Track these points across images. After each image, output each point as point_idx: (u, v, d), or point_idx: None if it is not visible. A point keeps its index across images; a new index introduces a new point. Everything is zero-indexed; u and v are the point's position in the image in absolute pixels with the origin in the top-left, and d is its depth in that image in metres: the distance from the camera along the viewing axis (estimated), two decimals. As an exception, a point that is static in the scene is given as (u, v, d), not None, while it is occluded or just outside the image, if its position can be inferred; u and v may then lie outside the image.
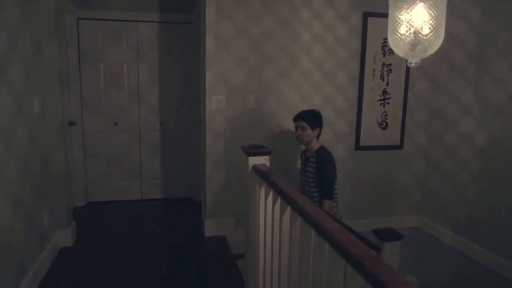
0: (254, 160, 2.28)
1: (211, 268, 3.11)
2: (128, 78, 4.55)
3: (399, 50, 1.78)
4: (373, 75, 3.98)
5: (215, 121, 3.55)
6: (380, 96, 4.03)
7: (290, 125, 3.77)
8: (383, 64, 3.98)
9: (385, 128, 4.10)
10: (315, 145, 3.07)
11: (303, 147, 3.23)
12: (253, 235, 2.39)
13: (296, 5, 3.65)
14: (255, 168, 2.22)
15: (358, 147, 4.07)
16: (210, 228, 3.67)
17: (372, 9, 3.82)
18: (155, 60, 4.59)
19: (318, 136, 3.12)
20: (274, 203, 2.03)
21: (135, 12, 4.41)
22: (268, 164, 2.29)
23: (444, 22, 1.70)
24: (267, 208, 2.15)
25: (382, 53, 3.95)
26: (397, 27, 1.72)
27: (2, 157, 2.24)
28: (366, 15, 3.83)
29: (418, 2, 1.66)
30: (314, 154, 3.04)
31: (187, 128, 4.71)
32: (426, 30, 1.68)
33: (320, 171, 2.97)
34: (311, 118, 3.06)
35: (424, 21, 1.68)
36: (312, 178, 3.03)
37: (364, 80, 3.95)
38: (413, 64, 1.80)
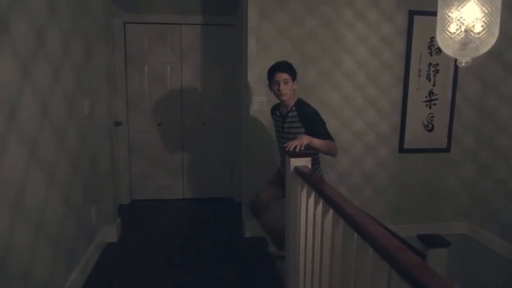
0: (296, 162, 2.27)
1: (250, 269, 3.12)
2: (171, 80, 4.65)
3: (449, 49, 1.71)
4: (419, 76, 3.86)
5: (257, 123, 3.56)
6: (426, 97, 3.90)
7: (332, 126, 3.72)
8: (430, 64, 3.85)
9: (431, 130, 3.96)
10: (293, 98, 2.78)
11: (272, 106, 3.05)
12: (293, 237, 2.37)
13: (339, 5, 3.60)
14: (297, 170, 2.21)
15: (402, 149, 3.95)
16: (250, 229, 3.68)
17: (418, 7, 3.71)
18: (198, 62, 4.66)
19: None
20: (315, 205, 2.00)
21: (179, 15, 4.50)
22: (309, 165, 2.26)
23: (498, 19, 1.61)
24: (309, 210, 2.13)
25: (429, 53, 3.83)
26: (446, 25, 1.66)
27: (56, 156, 2.36)
28: (412, 14, 3.72)
29: (469, -2, 1.59)
30: (293, 108, 2.74)
31: (228, 129, 4.76)
32: (478, 28, 1.61)
33: (308, 120, 2.69)
34: (292, 69, 2.77)
35: (476, 19, 1.60)
36: (299, 128, 2.73)
37: (409, 81, 3.84)
38: (463, 64, 1.72)
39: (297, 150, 2.35)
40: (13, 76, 1.83)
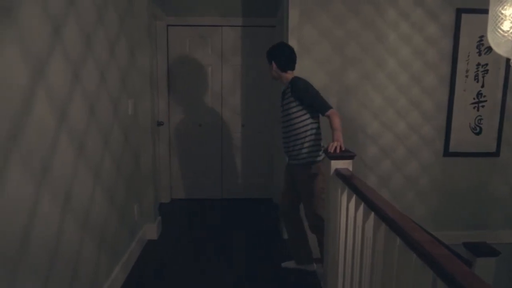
0: (337, 164, 2.24)
1: (288, 271, 3.10)
2: (212, 81, 4.72)
3: (501, 48, 1.63)
4: (466, 76, 3.71)
5: (296, 124, 3.54)
6: (473, 98, 3.74)
7: (373, 128, 3.65)
8: (478, 64, 3.69)
9: (479, 133, 3.80)
10: (288, 77, 2.81)
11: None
12: (332, 240, 2.34)
13: (382, 5, 3.52)
14: (337, 172, 2.18)
15: (447, 153, 3.81)
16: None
17: (466, 5, 3.56)
18: (238, 64, 4.70)
19: (284, 69, 2.80)
20: (356, 208, 1.97)
21: (220, 17, 4.56)
22: (350, 168, 2.23)
23: (556, 16, 1.52)
24: (349, 213, 2.10)
25: (477, 52, 3.67)
26: (499, 23, 1.58)
27: (101, 155, 2.45)
28: (459, 12, 3.58)
29: (525, -5, 1.51)
30: (289, 85, 2.77)
31: (268, 130, 4.77)
32: (533, 26, 1.52)
33: (302, 92, 2.67)
34: (266, 54, 2.87)
35: (531, 16, 1.52)
36: (295, 107, 2.70)
37: (456, 82, 3.69)
38: (516, 64, 1.64)
39: (338, 150, 2.32)
40: (64, 80, 1.91)
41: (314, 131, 2.73)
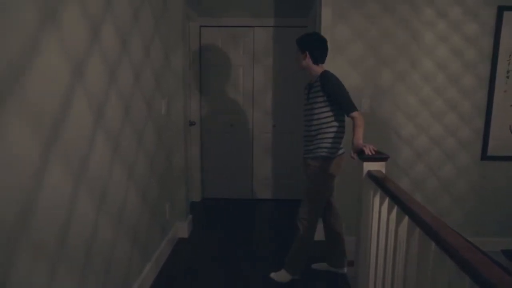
0: (369, 166, 2.20)
1: (319, 273, 3.07)
2: (243, 82, 4.74)
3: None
4: (507, 77, 3.56)
5: (327, 125, 3.51)
6: (514, 100, 3.59)
7: (407, 130, 3.57)
8: (520, 64, 3.53)
9: (519, 136, 3.64)
10: (318, 70, 2.72)
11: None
12: (364, 243, 2.31)
13: (418, 3, 3.44)
14: (370, 174, 2.14)
15: (485, 156, 3.67)
16: (319, 233, 3.62)
17: (509, 3, 3.42)
18: (270, 64, 4.71)
19: (316, 61, 2.73)
20: (389, 211, 1.93)
21: (252, 18, 4.58)
22: (383, 170, 2.19)
23: None
24: (382, 216, 2.05)
25: (519, 52, 3.51)
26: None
27: (135, 153, 2.50)
28: (501, 10, 3.44)
29: None
30: (318, 78, 2.67)
31: (299, 130, 4.73)
32: None
33: (329, 88, 2.60)
34: (298, 42, 2.75)
35: None
36: (322, 102, 2.64)
37: (496, 83, 3.55)
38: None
39: (371, 153, 2.28)
40: (101, 80, 1.97)
41: (336, 128, 2.67)
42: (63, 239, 1.61)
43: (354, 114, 2.56)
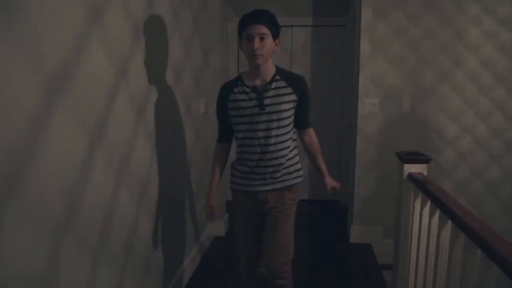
0: (410, 168, 2.14)
1: (355, 276, 3.02)
2: (281, 82, 4.73)
3: None
4: (560, 76, 3.36)
5: (367, 125, 3.45)
6: None
7: (450, 131, 3.44)
8: None
9: None
10: (272, 65, 1.92)
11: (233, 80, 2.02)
12: (403, 247, 2.25)
13: (463, 0, 3.31)
14: (411, 177, 2.08)
15: (535, 160, 3.48)
16: (355, 235, 3.58)
17: (563, -2, 3.24)
18: (308, 64, 4.67)
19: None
20: (431, 215, 1.87)
21: (290, 17, 4.56)
22: (425, 173, 2.12)
23: None
24: (423, 220, 2.00)
25: None
26: None
27: (175, 151, 2.56)
28: (554, 5, 3.26)
29: None
30: (276, 76, 1.90)
31: (337, 130, 4.68)
32: None
33: (307, 93, 1.95)
34: (273, 21, 1.89)
35: None
36: (291, 109, 1.91)
37: (548, 82, 3.37)
38: None
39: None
40: (142, 79, 2.02)
41: (295, 143, 2.05)
42: (104, 234, 1.66)
43: (311, 130, 2.11)
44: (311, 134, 2.12)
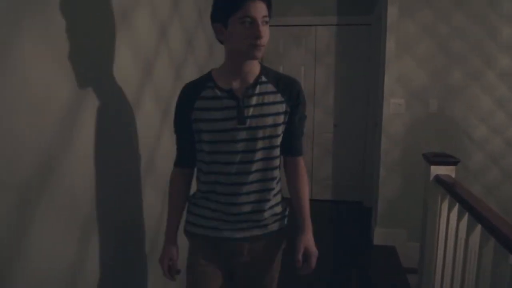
0: (437, 170, 2.09)
1: (378, 279, 2.97)
2: (305, 81, 4.70)
3: None
4: None
5: (393, 125, 3.38)
6: None
7: (480, 133, 3.35)
8: None
9: None
10: (256, 62, 1.39)
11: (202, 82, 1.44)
12: (429, 251, 2.19)
13: (495, -4, 3.21)
14: (438, 179, 2.03)
15: None
16: (379, 237, 3.52)
17: None
18: (332, 63, 4.63)
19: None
20: (459, 219, 1.82)
21: (314, 16, 4.52)
22: (453, 175, 2.06)
23: None
24: (450, 224, 1.94)
25: None
26: None
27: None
28: None
29: None
30: (262, 80, 1.36)
31: (361, 131, 4.62)
32: None
33: (302, 105, 1.42)
34: (271, 3, 1.35)
35: None
36: (281, 124, 1.37)
37: None
38: None
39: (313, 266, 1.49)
40: (167, 79, 2.04)
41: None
42: (131, 230, 1.69)
43: (301, 158, 1.49)
44: (302, 166, 1.49)
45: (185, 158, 1.46)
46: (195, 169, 1.48)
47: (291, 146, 1.44)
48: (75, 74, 1.26)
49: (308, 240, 1.46)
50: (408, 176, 3.40)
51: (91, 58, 1.35)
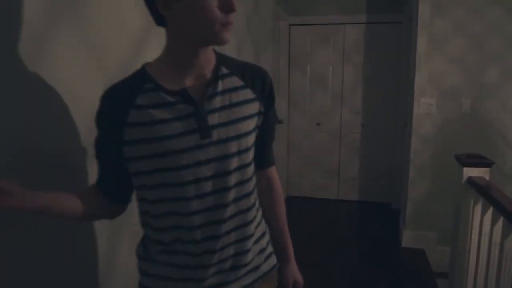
0: (470, 172, 2.03)
1: (406, 283, 2.91)
2: (332, 80, 4.66)
3: None
4: None
5: (423, 126, 3.30)
6: None
7: (516, 134, 3.22)
8: None
9: None
10: (211, 50, 1.00)
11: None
12: (461, 255, 2.13)
13: (533, -9, 3.08)
14: (471, 181, 1.97)
15: None
16: (408, 239, 3.45)
17: None
18: (360, 62, 4.56)
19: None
20: (493, 223, 1.76)
21: (343, 15, 4.47)
22: (487, 177, 2.00)
23: None
24: (483, 228, 1.88)
25: None
26: None
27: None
28: None
29: None
30: (222, 72, 0.99)
31: (390, 131, 4.54)
32: None
33: (270, 111, 1.09)
34: None
35: None
36: (252, 132, 1.02)
37: None
38: None
39: None
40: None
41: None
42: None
43: (274, 168, 1.21)
44: (276, 179, 1.20)
45: (113, 195, 1.01)
46: (136, 208, 1.02)
47: (263, 156, 1.12)
48: (107, 73, 1.28)
49: (295, 270, 1.27)
50: (439, 178, 3.31)
51: (123, 57, 1.38)
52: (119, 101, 0.92)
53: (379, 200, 4.66)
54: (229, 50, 2.55)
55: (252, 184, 1.04)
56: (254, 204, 1.05)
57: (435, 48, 3.24)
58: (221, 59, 1.01)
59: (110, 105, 0.93)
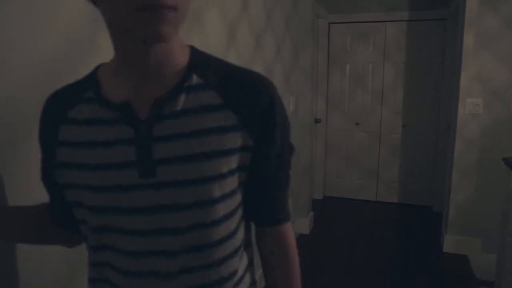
0: (520, 176, 1.93)
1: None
2: (372, 79, 4.56)
3: None
4: None
5: (468, 127, 3.18)
6: None
7: None
8: None
9: None
10: (183, 47, 0.70)
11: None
12: (508, 263, 2.04)
13: None
14: (521, 186, 1.88)
15: None
16: (450, 244, 3.33)
17: None
18: (401, 60, 4.44)
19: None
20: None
21: (384, 12, 4.37)
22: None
23: None
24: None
25: None
26: None
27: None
28: None
29: None
30: (191, 81, 0.67)
31: (432, 132, 4.40)
32: None
33: (273, 141, 0.73)
34: None
35: None
36: (217, 181, 0.66)
37: None
38: None
39: None
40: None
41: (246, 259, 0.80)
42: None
43: (288, 224, 0.84)
44: (288, 237, 0.85)
45: (61, 221, 0.80)
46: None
47: (267, 209, 0.78)
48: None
49: None
50: (484, 182, 3.18)
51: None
52: (53, 112, 0.71)
53: (419, 203, 4.53)
54: (267, 49, 2.55)
55: (221, 252, 0.70)
56: (225, 280, 0.71)
57: (483, 46, 3.10)
58: (196, 63, 0.69)
59: (45, 117, 0.72)
